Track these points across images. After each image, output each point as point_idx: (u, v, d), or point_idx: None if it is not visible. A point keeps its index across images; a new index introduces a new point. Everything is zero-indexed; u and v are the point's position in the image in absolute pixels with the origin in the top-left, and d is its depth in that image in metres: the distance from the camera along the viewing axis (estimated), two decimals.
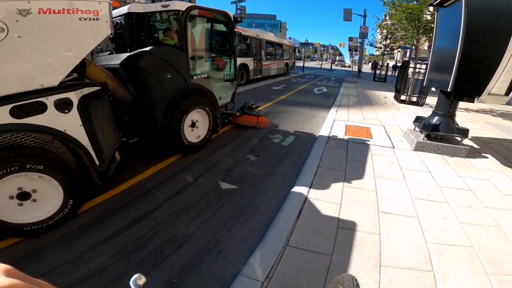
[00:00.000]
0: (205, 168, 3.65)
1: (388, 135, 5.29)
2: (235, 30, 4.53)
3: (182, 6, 3.58)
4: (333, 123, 6.00)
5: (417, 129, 4.80)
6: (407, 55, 32.00)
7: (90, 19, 2.28)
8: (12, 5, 1.87)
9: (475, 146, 5.02)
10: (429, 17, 8.73)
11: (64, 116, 2.20)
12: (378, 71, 19.06)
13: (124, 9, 3.86)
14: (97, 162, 2.48)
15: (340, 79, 18.85)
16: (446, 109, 4.24)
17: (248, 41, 11.93)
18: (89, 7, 2.26)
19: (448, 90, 3.80)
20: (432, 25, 8.44)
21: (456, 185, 3.39)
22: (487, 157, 4.46)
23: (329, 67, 35.23)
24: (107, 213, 2.59)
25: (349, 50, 22.16)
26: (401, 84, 9.42)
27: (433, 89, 4.79)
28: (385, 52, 21.74)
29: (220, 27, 4.53)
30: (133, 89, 3.33)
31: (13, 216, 2.08)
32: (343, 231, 2.39)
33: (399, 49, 36.01)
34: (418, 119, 4.85)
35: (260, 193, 3.11)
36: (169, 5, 3.60)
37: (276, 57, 15.50)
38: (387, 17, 13.47)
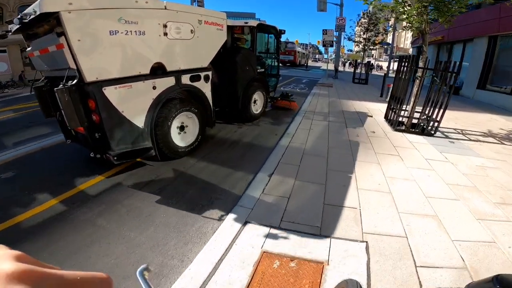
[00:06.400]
0: None
1: None
2: (280, 39, 7.43)
3: (255, 23, 6.06)
4: (233, 241, 1.87)
5: None
6: (388, 52, 28.49)
7: (220, 29, 4.35)
8: (196, 17, 3.79)
9: None
10: None
11: (206, 84, 4.26)
12: (357, 71, 15.30)
13: None
14: (212, 114, 4.60)
15: (313, 81, 15.01)
16: None
17: (299, 52, 29.68)
18: (220, 22, 4.31)
19: None
20: None
21: None
22: None
23: (305, 66, 31.38)
24: None
25: (323, 45, 18.19)
26: (400, 96, 5.53)
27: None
28: (365, 48, 18.08)
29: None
30: (226, 74, 5.55)
31: (177, 141, 3.89)
32: None
33: (379, 45, 32.84)
34: None
35: None
36: (247, 22, 6.13)
37: (303, 57, 31.77)
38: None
